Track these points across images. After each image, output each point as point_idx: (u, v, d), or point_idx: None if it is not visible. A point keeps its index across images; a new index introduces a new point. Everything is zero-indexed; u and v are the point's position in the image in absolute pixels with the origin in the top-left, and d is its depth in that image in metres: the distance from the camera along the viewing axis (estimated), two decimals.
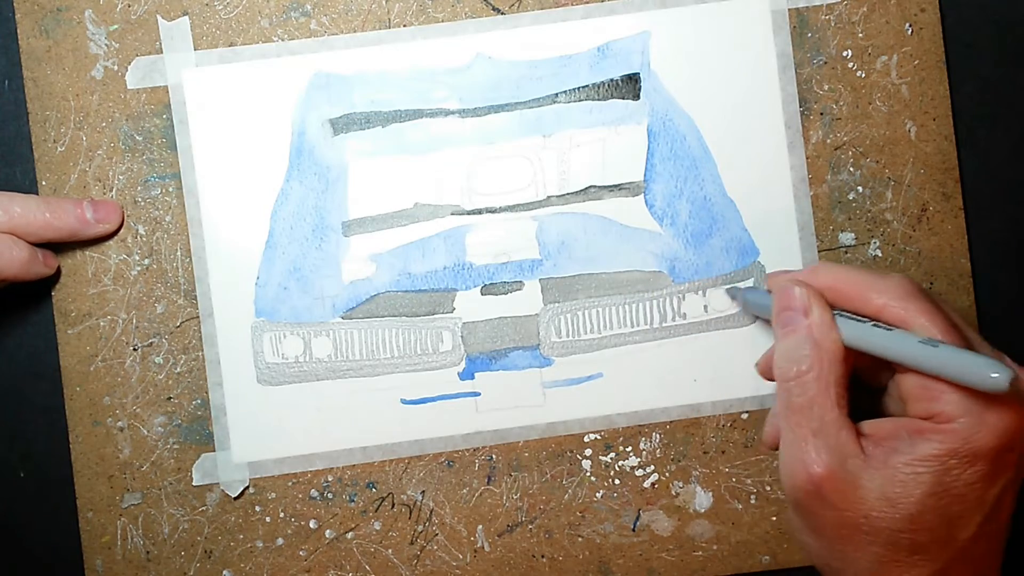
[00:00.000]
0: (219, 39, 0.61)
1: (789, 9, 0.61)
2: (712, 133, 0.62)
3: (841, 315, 0.50)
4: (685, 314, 0.62)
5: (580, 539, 0.61)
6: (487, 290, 0.61)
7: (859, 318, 0.50)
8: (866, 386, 0.53)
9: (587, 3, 0.62)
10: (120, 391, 0.61)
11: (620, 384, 0.61)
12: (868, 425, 0.49)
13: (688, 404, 0.62)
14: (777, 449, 0.55)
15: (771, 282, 0.55)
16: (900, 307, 0.49)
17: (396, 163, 0.62)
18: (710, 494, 0.62)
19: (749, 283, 0.61)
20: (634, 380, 0.61)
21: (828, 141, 0.62)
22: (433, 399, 0.61)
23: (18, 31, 0.61)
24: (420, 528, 0.61)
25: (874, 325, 0.49)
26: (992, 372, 0.45)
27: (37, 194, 0.61)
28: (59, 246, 0.61)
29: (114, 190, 0.61)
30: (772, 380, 0.54)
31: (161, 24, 0.61)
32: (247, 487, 0.61)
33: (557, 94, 0.62)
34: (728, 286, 0.61)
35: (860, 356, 0.50)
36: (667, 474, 0.62)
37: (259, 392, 0.61)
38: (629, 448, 0.61)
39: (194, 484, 0.61)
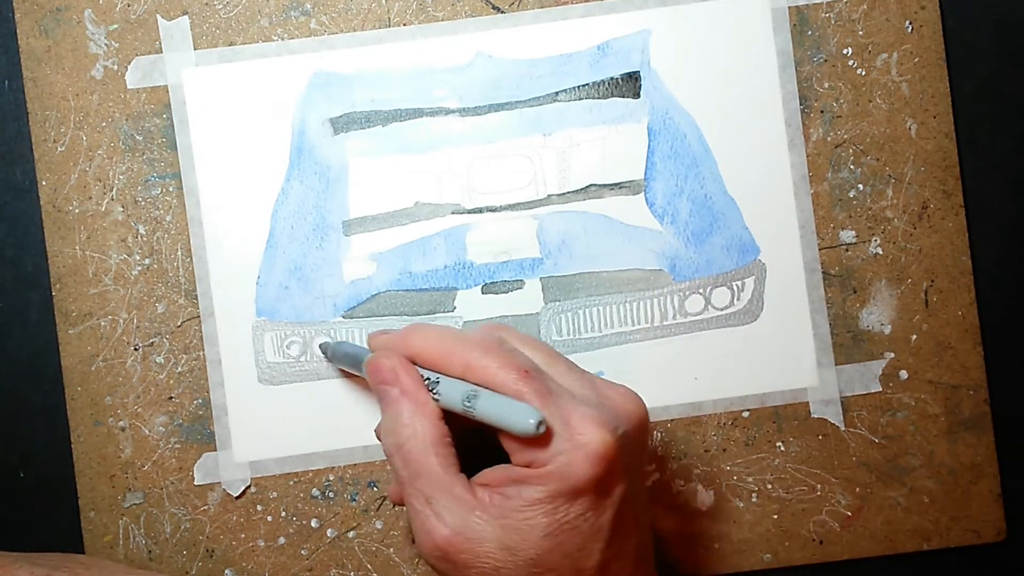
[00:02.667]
0: (219, 38, 0.61)
1: (789, 7, 0.61)
2: (712, 131, 0.62)
3: (434, 379, 0.51)
4: (686, 312, 0.62)
5: None
6: (488, 289, 0.62)
7: (439, 378, 0.51)
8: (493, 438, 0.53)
9: (587, 1, 0.61)
10: (121, 391, 0.61)
11: (621, 382, 0.61)
12: (485, 475, 0.50)
13: (689, 402, 0.62)
14: (402, 506, 0.55)
15: (370, 345, 0.55)
16: (479, 366, 0.49)
17: (396, 162, 0.62)
18: (711, 492, 0.62)
19: (343, 337, 0.61)
20: (635, 378, 0.61)
21: (828, 139, 0.62)
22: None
23: (18, 31, 0.61)
24: None
25: (446, 381, 0.50)
26: (521, 417, 0.47)
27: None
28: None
29: (114, 190, 0.61)
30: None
31: (161, 24, 0.61)
32: (248, 486, 0.61)
33: (557, 92, 0.62)
34: (322, 342, 0.61)
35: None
36: (668, 472, 0.62)
37: (260, 391, 0.61)
38: None
39: (196, 483, 0.61)
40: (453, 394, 0.50)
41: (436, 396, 0.51)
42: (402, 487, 0.50)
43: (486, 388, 0.49)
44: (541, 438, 0.48)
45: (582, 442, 0.47)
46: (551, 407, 0.48)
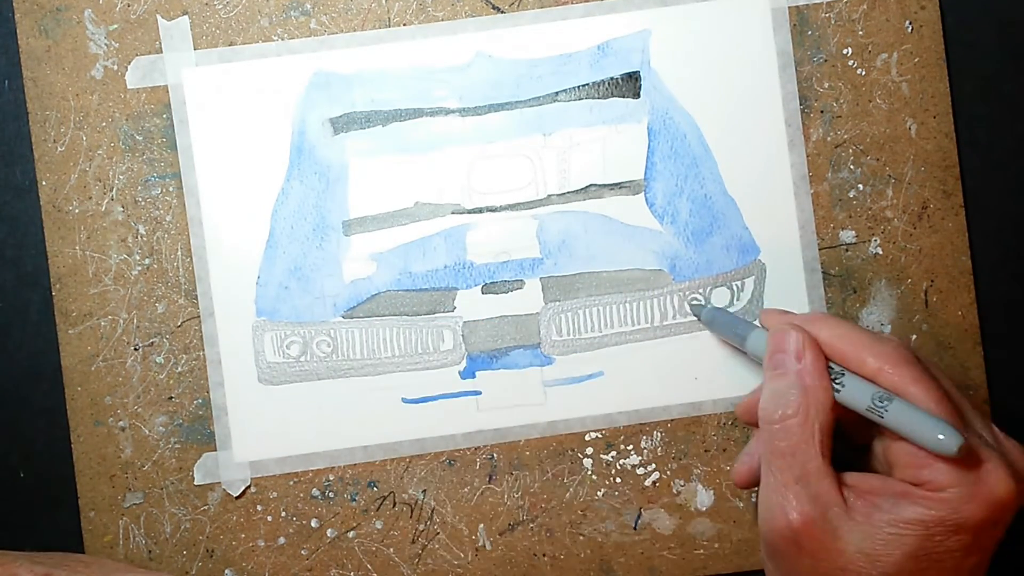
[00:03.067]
0: (219, 38, 0.61)
1: (789, 7, 0.61)
2: (712, 131, 0.62)
3: (839, 370, 0.51)
4: (686, 312, 0.62)
5: (581, 538, 0.61)
6: (488, 289, 0.62)
7: (844, 371, 0.50)
8: (850, 440, 0.53)
9: (587, 1, 0.62)
10: (121, 391, 0.61)
11: (621, 382, 0.62)
12: (852, 477, 0.49)
13: (689, 402, 0.62)
14: (745, 488, 0.56)
15: (766, 319, 0.54)
16: (895, 373, 0.49)
17: (396, 162, 0.62)
18: (711, 492, 0.62)
19: (716, 303, 0.61)
20: (635, 378, 0.61)
21: (828, 139, 0.62)
22: (434, 398, 0.62)
23: (18, 31, 0.61)
24: (421, 527, 0.62)
25: (854, 379, 0.50)
26: (940, 434, 0.46)
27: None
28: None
29: (114, 190, 0.61)
30: (751, 424, 0.55)
31: (161, 24, 0.61)
32: (248, 486, 0.61)
33: (557, 92, 0.62)
34: (693, 302, 0.60)
35: (847, 410, 0.50)
36: (668, 472, 0.62)
37: (260, 391, 0.61)
38: (630, 447, 0.62)
39: (196, 483, 0.61)
40: (860, 391, 0.49)
41: (837, 388, 0.49)
42: (768, 459, 0.49)
43: (912, 396, 0.48)
44: (946, 462, 0.47)
45: (990, 483, 0.47)
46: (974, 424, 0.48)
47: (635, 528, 0.62)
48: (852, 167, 0.62)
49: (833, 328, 0.51)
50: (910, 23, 0.61)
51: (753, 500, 0.61)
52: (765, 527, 0.49)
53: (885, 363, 0.49)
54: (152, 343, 0.61)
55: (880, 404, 0.48)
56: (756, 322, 0.58)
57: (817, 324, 0.51)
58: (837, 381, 0.50)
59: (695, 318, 0.61)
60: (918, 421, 0.47)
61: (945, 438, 0.46)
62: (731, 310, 0.61)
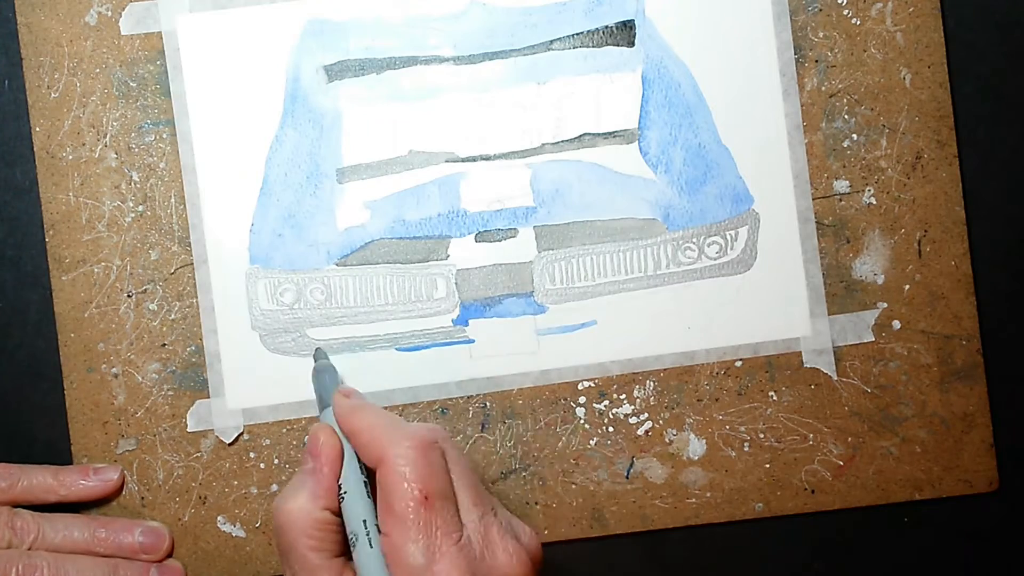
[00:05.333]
0: None
1: None
2: (707, 80, 0.61)
3: (356, 472, 0.53)
4: (679, 262, 0.62)
5: (574, 486, 0.62)
6: (481, 237, 0.62)
7: (347, 492, 0.52)
8: None
9: None
10: (114, 338, 0.61)
11: (614, 331, 0.62)
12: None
13: (682, 352, 0.62)
14: None
15: (334, 400, 0.55)
16: (392, 465, 0.50)
17: (390, 110, 0.62)
18: (703, 442, 0.62)
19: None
20: (628, 328, 0.61)
21: (823, 88, 0.62)
22: (427, 346, 0.62)
23: None
24: None
25: (362, 495, 0.52)
26: None
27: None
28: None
29: (108, 136, 0.61)
30: None
31: None
32: (241, 433, 0.61)
33: (552, 41, 0.62)
34: (318, 347, 0.60)
35: None
36: (661, 422, 0.62)
37: (254, 339, 0.61)
38: (623, 396, 0.62)
39: (188, 430, 0.61)
40: (348, 516, 0.52)
41: (341, 501, 0.52)
42: (278, 551, 0.52)
43: (385, 497, 0.50)
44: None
45: None
46: (426, 541, 0.49)
47: (627, 477, 0.62)
48: (846, 117, 0.62)
49: (364, 419, 0.53)
50: None
51: (745, 448, 0.61)
52: None
53: (392, 454, 0.50)
54: (145, 290, 0.61)
55: (352, 540, 0.51)
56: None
57: (356, 415, 0.53)
58: (342, 495, 0.52)
59: (698, 264, 0.61)
60: (367, 571, 0.50)
61: None
62: (723, 260, 0.61)
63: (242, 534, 0.61)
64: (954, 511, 0.62)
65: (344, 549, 0.52)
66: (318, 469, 0.53)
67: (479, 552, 0.50)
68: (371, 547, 0.50)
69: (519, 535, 0.52)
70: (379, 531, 0.50)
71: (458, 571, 0.48)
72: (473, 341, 0.61)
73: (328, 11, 0.61)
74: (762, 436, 0.62)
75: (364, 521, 0.51)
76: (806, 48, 0.62)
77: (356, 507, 0.52)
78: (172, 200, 0.61)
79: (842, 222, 0.62)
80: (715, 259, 0.62)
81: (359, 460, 0.53)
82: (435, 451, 0.51)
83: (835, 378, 0.61)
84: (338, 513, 0.52)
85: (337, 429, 0.54)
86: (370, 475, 0.53)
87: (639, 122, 0.62)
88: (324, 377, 0.58)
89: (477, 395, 0.62)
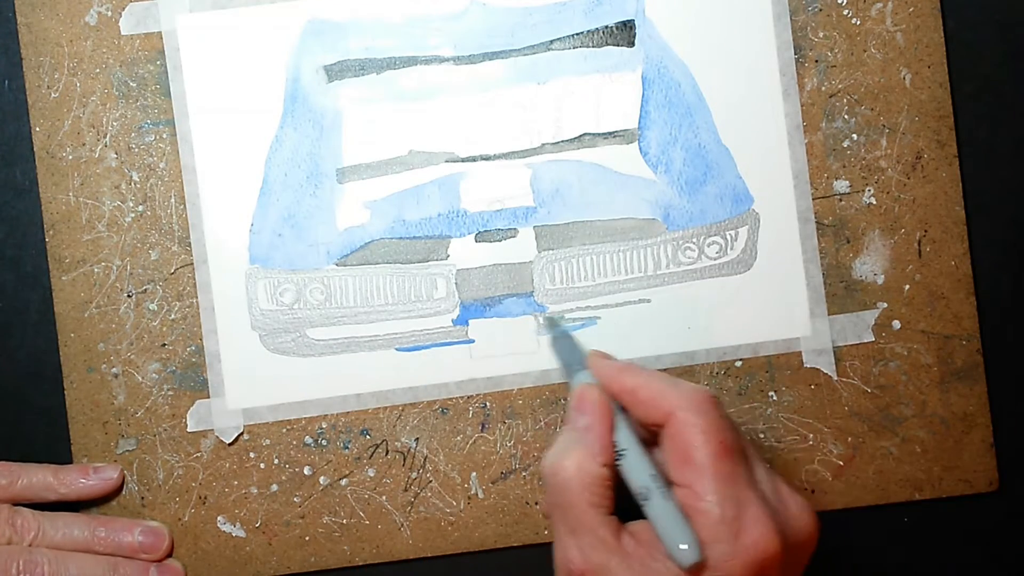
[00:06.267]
0: None
1: None
2: (707, 80, 0.61)
3: (627, 430, 0.51)
4: (679, 261, 0.62)
5: None
6: (481, 237, 0.62)
7: (626, 451, 0.51)
8: None
9: None
10: (114, 338, 0.61)
11: (614, 331, 0.62)
12: (636, 526, 0.50)
13: (682, 352, 0.62)
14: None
15: (590, 362, 0.54)
16: (684, 419, 0.49)
17: (391, 110, 0.62)
18: None
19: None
20: (628, 327, 0.61)
21: (823, 88, 0.62)
22: (427, 346, 0.62)
23: None
24: (414, 475, 0.62)
25: (642, 452, 0.50)
26: (681, 544, 0.47)
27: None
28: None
29: (108, 136, 0.61)
30: None
31: None
32: (241, 433, 0.61)
33: (552, 41, 0.62)
34: (548, 315, 0.60)
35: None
36: None
37: (254, 339, 0.61)
38: None
39: (188, 430, 0.61)
40: (634, 473, 0.50)
41: (618, 460, 0.51)
42: (549, 510, 0.51)
43: (682, 450, 0.49)
44: (709, 520, 0.48)
45: (750, 541, 0.47)
46: (731, 491, 0.48)
47: None
48: (846, 117, 0.62)
49: (641, 377, 0.51)
50: None
51: None
52: (556, 572, 0.51)
53: (679, 408, 0.49)
54: (145, 290, 0.61)
55: (644, 494, 0.49)
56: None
57: (626, 374, 0.52)
58: (619, 454, 0.51)
59: (698, 264, 0.61)
60: (668, 524, 0.48)
61: (685, 549, 0.47)
62: (723, 260, 0.61)
63: (242, 534, 0.61)
64: (954, 511, 0.62)
65: (615, 506, 0.50)
66: (593, 426, 0.51)
67: (775, 505, 0.49)
68: (667, 500, 0.49)
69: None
70: (667, 485, 0.49)
71: (765, 520, 0.47)
72: (473, 341, 0.61)
73: (328, 11, 0.61)
74: (762, 436, 0.62)
75: (652, 476, 0.50)
76: (806, 48, 0.62)
77: (640, 463, 0.50)
78: (172, 200, 0.61)
79: (842, 222, 0.62)
80: (715, 259, 0.62)
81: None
82: (721, 404, 0.50)
83: (835, 378, 0.61)
84: (613, 471, 0.51)
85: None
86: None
87: (639, 122, 0.62)
88: (567, 342, 0.56)
89: (477, 395, 0.62)
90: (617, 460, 0.51)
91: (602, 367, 0.53)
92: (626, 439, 0.51)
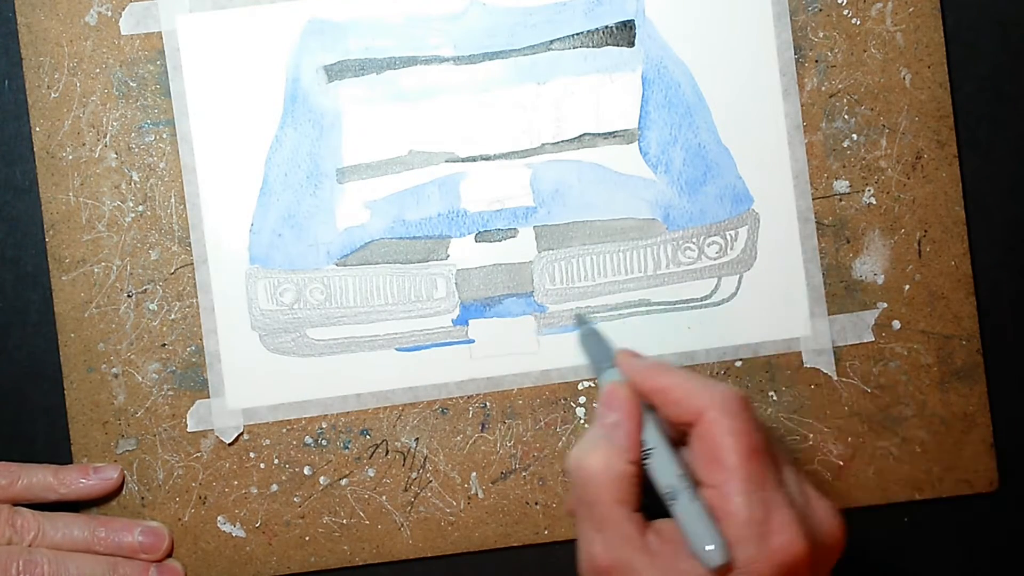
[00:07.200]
0: None
1: None
2: (707, 80, 0.61)
3: (655, 429, 0.51)
4: (679, 261, 0.62)
5: None
6: (481, 237, 0.62)
7: (652, 450, 0.51)
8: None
9: None
10: (114, 338, 0.61)
11: (614, 331, 0.61)
12: (662, 524, 0.50)
13: (682, 352, 0.62)
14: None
15: (619, 361, 0.54)
16: (715, 419, 0.49)
17: (391, 110, 0.62)
18: None
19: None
20: (628, 327, 0.61)
21: (823, 88, 0.62)
22: (427, 346, 0.62)
23: None
24: (414, 475, 0.62)
25: (669, 451, 0.50)
26: (708, 545, 0.47)
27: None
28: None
29: (108, 136, 0.61)
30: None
31: None
32: (241, 433, 0.61)
33: (552, 41, 0.62)
34: (578, 312, 0.60)
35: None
36: None
37: (254, 339, 0.61)
38: None
39: (188, 430, 0.61)
40: (661, 473, 0.50)
41: (645, 459, 0.51)
42: (575, 505, 0.51)
43: (711, 450, 0.48)
44: (737, 522, 0.47)
45: (777, 544, 0.47)
46: (759, 493, 0.48)
47: None
48: (846, 117, 0.62)
49: (672, 377, 0.51)
50: None
51: None
52: (579, 570, 0.51)
53: (710, 408, 0.49)
54: (145, 290, 0.61)
55: (671, 493, 0.49)
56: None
57: (657, 373, 0.52)
58: (647, 452, 0.51)
59: (698, 263, 0.61)
60: (695, 524, 0.48)
61: (712, 550, 0.47)
62: (723, 260, 0.61)
63: (242, 534, 0.61)
64: (954, 511, 0.62)
65: (641, 504, 0.50)
66: (621, 423, 0.51)
67: (803, 508, 0.49)
68: (694, 500, 0.49)
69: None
70: (695, 485, 0.49)
71: (793, 524, 0.47)
72: (473, 341, 0.61)
73: (328, 11, 0.61)
74: None
75: (679, 475, 0.49)
76: (806, 48, 0.62)
77: (668, 462, 0.50)
78: (172, 200, 0.61)
79: (842, 222, 0.62)
80: (715, 259, 0.62)
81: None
82: (752, 406, 0.50)
83: (835, 378, 0.61)
84: (640, 469, 0.51)
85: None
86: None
87: (639, 122, 0.62)
88: (595, 340, 0.56)
89: (477, 395, 0.62)
90: (644, 458, 0.50)
91: (632, 365, 0.53)
92: (654, 438, 0.51)
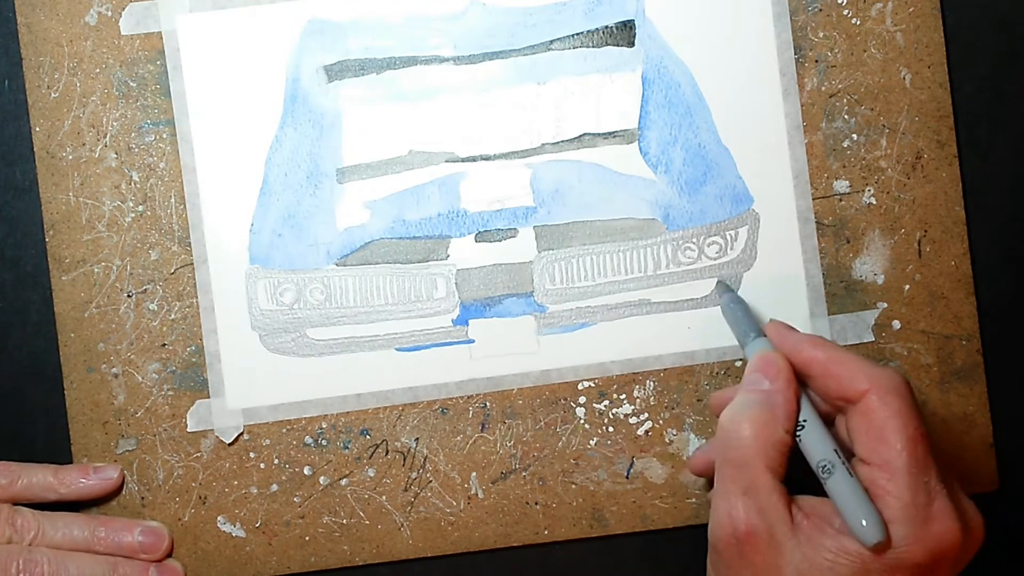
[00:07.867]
0: None
1: None
2: (707, 80, 0.61)
3: (808, 403, 0.51)
4: (679, 261, 0.62)
5: (574, 486, 0.62)
6: (481, 237, 0.62)
7: (805, 424, 0.51)
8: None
9: None
10: (114, 338, 0.61)
11: (614, 331, 0.62)
12: (805, 499, 0.50)
13: (682, 352, 0.62)
14: (699, 475, 0.58)
15: (769, 331, 0.54)
16: (881, 400, 0.49)
17: (391, 110, 0.62)
18: (704, 441, 0.62)
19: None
20: (628, 327, 0.61)
21: (823, 88, 0.62)
22: (427, 346, 0.62)
23: None
24: (414, 475, 0.62)
25: (822, 425, 0.51)
26: (863, 520, 0.47)
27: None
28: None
29: (108, 136, 0.61)
30: (700, 475, 0.57)
31: None
32: (241, 433, 0.61)
33: (552, 41, 0.62)
34: (721, 279, 0.61)
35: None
36: (661, 422, 0.62)
37: (253, 339, 0.61)
38: (623, 396, 0.62)
39: (188, 430, 0.61)
40: (814, 447, 0.50)
41: (798, 432, 0.50)
42: (720, 465, 0.50)
43: (878, 430, 0.49)
44: (898, 502, 0.48)
45: (937, 529, 0.47)
46: (924, 478, 0.48)
47: (627, 477, 0.62)
48: (846, 117, 0.62)
49: (832, 351, 0.51)
50: None
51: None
52: (713, 530, 0.50)
53: (878, 387, 0.49)
54: (145, 290, 0.61)
55: (825, 468, 0.49)
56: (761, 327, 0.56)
57: (816, 345, 0.52)
58: (800, 424, 0.51)
59: (698, 263, 0.61)
60: (850, 500, 0.48)
61: (867, 526, 0.47)
62: (723, 260, 0.61)
63: (242, 534, 0.61)
64: None
65: (784, 476, 0.50)
66: (780, 390, 0.51)
67: (957, 501, 0.49)
68: (851, 475, 0.48)
69: None
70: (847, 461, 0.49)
71: (952, 514, 0.47)
72: (473, 341, 0.61)
73: (328, 11, 0.61)
74: None
75: (835, 450, 0.49)
76: (806, 48, 0.62)
77: (823, 436, 0.50)
78: (172, 200, 0.61)
79: (842, 222, 0.62)
80: (715, 259, 0.62)
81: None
82: (914, 392, 0.50)
83: None
84: (792, 440, 0.50)
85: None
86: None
87: (639, 122, 0.62)
88: (741, 309, 0.56)
89: (477, 395, 0.62)
90: (798, 430, 0.50)
91: (787, 336, 0.53)
92: (807, 411, 0.51)
